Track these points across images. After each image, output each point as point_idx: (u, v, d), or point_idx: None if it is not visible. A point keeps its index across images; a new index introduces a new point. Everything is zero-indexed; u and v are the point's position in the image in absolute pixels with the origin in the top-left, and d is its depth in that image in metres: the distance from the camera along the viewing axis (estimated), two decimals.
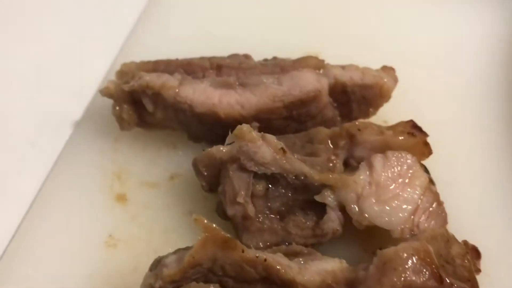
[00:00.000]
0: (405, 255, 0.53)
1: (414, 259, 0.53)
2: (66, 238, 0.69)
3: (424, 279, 0.52)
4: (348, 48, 0.89)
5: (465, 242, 0.65)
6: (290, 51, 0.88)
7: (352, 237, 0.67)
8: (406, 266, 0.52)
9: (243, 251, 0.54)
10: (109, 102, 0.75)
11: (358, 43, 0.91)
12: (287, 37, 0.92)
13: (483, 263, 0.66)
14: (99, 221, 0.71)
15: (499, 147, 0.78)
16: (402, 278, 0.52)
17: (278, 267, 0.54)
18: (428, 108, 0.82)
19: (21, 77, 0.82)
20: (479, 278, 0.62)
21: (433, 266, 0.53)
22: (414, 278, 0.52)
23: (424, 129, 0.71)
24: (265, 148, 0.64)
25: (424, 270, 0.52)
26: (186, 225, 0.70)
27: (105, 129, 0.80)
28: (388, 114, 0.80)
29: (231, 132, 0.64)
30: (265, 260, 0.54)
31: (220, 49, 0.83)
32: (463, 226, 0.69)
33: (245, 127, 0.63)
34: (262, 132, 0.66)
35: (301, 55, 0.90)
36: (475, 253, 0.65)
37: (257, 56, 0.81)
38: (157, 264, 0.54)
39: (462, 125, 0.81)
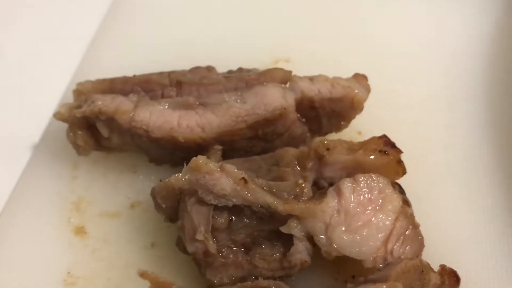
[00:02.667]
0: None
1: None
2: (21, 277, 0.65)
3: None
4: (320, 53, 0.84)
5: (443, 267, 0.61)
6: (259, 58, 0.84)
7: (323, 266, 0.63)
8: None
9: None
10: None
11: (329, 47, 0.86)
12: (256, 43, 0.87)
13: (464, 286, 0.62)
14: (57, 257, 0.67)
15: (481, 155, 0.73)
16: None
17: None
18: (405, 114, 0.77)
19: None
20: None
21: None
22: None
23: (400, 138, 0.66)
24: (225, 180, 0.59)
25: None
26: (148, 259, 0.66)
27: (63, 153, 0.75)
28: (362, 124, 0.75)
29: (186, 164, 0.59)
30: None
31: (186, 58, 0.79)
32: (442, 246, 0.66)
33: (201, 159, 0.59)
34: (221, 162, 0.61)
35: (271, 61, 0.86)
36: (454, 278, 0.61)
37: (225, 64, 0.77)
38: None
39: (441, 130, 0.76)
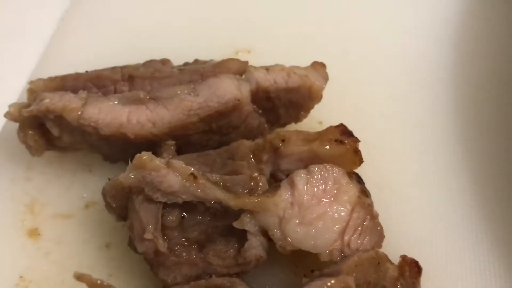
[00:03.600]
0: None
1: None
2: None
3: None
4: (282, 44, 0.82)
5: (404, 258, 0.60)
6: (221, 49, 0.82)
7: (281, 261, 0.62)
8: None
9: None
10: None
11: (293, 36, 0.83)
12: (217, 34, 0.84)
13: (426, 277, 0.60)
14: (9, 261, 0.65)
15: (443, 142, 0.72)
16: None
17: None
18: (368, 103, 0.75)
19: None
20: None
21: None
22: None
23: (361, 127, 0.65)
24: (172, 176, 0.57)
25: None
26: (103, 260, 0.64)
27: (17, 155, 0.73)
28: (323, 114, 0.73)
29: (131, 161, 0.57)
30: None
31: (144, 51, 0.77)
32: (404, 237, 0.64)
33: (145, 155, 0.57)
34: (167, 158, 0.59)
35: (232, 52, 0.84)
36: (415, 268, 0.59)
37: (184, 56, 0.75)
38: None
39: (403, 118, 0.74)
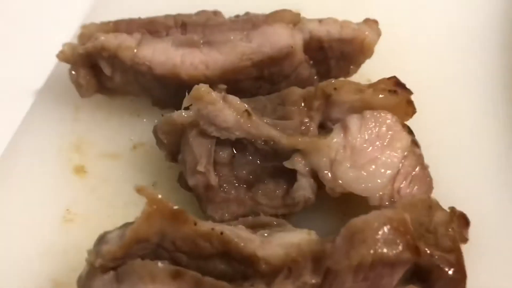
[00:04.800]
0: (376, 224, 0.47)
1: (386, 229, 0.47)
2: (21, 212, 0.65)
3: (397, 251, 0.46)
4: (332, 2, 0.81)
5: (452, 209, 0.59)
6: (268, 7, 0.82)
7: (328, 205, 0.61)
8: (377, 237, 0.46)
9: (195, 224, 0.48)
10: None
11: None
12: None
13: (473, 232, 0.60)
14: (56, 194, 0.66)
15: (491, 105, 0.71)
16: (372, 251, 0.46)
17: (236, 240, 0.49)
18: (416, 65, 0.75)
19: None
20: (467, 247, 0.57)
21: (408, 237, 0.47)
22: (386, 250, 0.46)
23: (410, 86, 0.64)
24: (227, 111, 0.58)
25: (398, 241, 0.46)
26: None
27: (66, 97, 0.74)
28: (372, 72, 0.73)
29: (188, 93, 0.58)
30: (222, 233, 0.49)
31: (197, 4, 0.76)
32: (451, 193, 0.63)
33: (203, 87, 0.57)
34: (223, 93, 0.60)
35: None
36: (463, 221, 0.58)
37: (232, 11, 0.75)
38: (101, 240, 0.49)
39: (452, 82, 0.74)
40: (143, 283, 0.45)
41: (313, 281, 0.47)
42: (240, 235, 0.50)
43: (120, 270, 0.46)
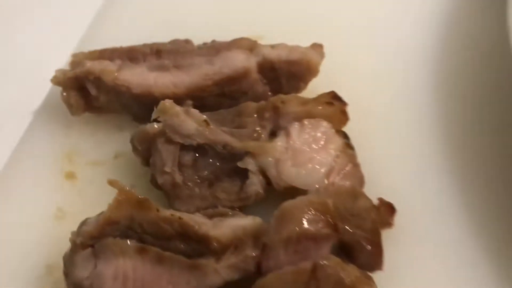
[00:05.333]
0: (301, 207, 0.58)
1: (309, 210, 0.58)
2: (20, 210, 0.76)
3: (318, 227, 0.57)
4: (291, 31, 0.93)
5: (380, 199, 0.70)
6: (233, 36, 0.94)
7: (274, 198, 0.72)
8: (301, 217, 0.58)
9: (158, 210, 0.60)
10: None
11: (300, 26, 0.95)
12: (232, 22, 0.97)
13: (397, 220, 0.71)
14: (49, 196, 0.77)
15: (421, 113, 0.83)
16: (297, 228, 0.57)
17: (192, 223, 0.60)
18: (357, 81, 0.87)
19: None
20: (393, 232, 0.68)
21: (328, 216, 0.58)
22: (308, 227, 0.57)
23: (349, 99, 0.76)
24: (189, 121, 0.70)
25: (318, 220, 0.58)
26: None
27: (59, 116, 0.86)
28: (322, 88, 0.84)
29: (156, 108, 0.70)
30: (180, 218, 0.60)
31: (170, 34, 0.89)
32: (381, 188, 0.74)
33: (167, 102, 0.69)
34: (188, 107, 0.72)
35: None
36: (389, 208, 0.69)
37: (202, 38, 0.87)
38: (82, 224, 0.60)
39: (389, 97, 0.86)
40: (114, 256, 0.57)
41: (253, 254, 0.59)
42: (196, 220, 0.61)
43: (96, 246, 0.58)
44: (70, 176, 0.79)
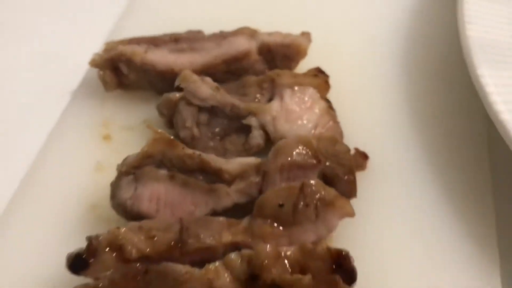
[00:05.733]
0: (292, 143, 0.77)
1: (298, 146, 0.77)
2: (66, 165, 0.94)
3: (305, 158, 0.76)
4: (286, 23, 1.12)
5: (356, 149, 0.89)
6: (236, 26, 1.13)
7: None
8: (292, 150, 0.76)
9: (183, 148, 0.78)
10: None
11: (293, 19, 1.15)
12: (237, 18, 1.16)
13: (370, 165, 0.89)
14: (91, 154, 0.95)
15: (393, 84, 1.03)
16: (289, 158, 0.76)
17: (208, 160, 0.79)
18: (343, 63, 1.06)
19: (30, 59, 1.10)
20: (365, 174, 0.87)
21: (313, 150, 0.77)
22: (297, 158, 0.76)
23: (331, 74, 0.96)
24: (204, 87, 0.89)
25: (305, 153, 0.76)
26: None
27: (95, 93, 1.05)
28: (309, 67, 1.04)
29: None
30: (200, 155, 0.79)
31: (185, 27, 1.08)
32: (357, 142, 0.93)
33: (187, 71, 0.88)
34: (202, 76, 0.91)
35: None
36: (363, 155, 0.88)
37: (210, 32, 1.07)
38: (125, 158, 0.79)
39: (365, 75, 1.05)
40: (150, 182, 0.75)
41: (256, 180, 0.77)
42: (211, 157, 0.80)
43: (136, 173, 0.76)
44: (107, 138, 0.97)
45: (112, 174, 0.88)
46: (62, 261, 0.70)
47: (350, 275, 0.62)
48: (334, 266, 0.62)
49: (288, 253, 0.65)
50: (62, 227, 0.85)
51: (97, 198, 0.89)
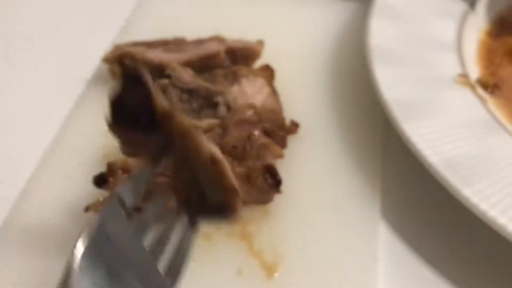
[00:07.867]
0: (244, 108, 1.16)
1: (248, 110, 1.16)
2: (82, 133, 1.31)
3: (251, 117, 1.15)
4: (247, 33, 1.52)
5: (291, 120, 1.28)
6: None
7: None
8: (244, 112, 1.15)
9: None
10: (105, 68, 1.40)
11: (253, 32, 1.55)
12: (213, 28, 1.56)
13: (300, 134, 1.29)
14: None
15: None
16: (241, 117, 1.15)
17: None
18: (284, 62, 1.46)
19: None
20: (296, 137, 1.26)
21: (258, 114, 1.16)
22: (246, 117, 1.15)
23: (278, 68, 1.35)
24: (186, 75, 1.27)
25: (252, 114, 1.15)
26: None
27: (106, 83, 1.43)
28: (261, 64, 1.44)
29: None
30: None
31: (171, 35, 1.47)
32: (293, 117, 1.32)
33: (174, 64, 1.27)
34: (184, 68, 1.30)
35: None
36: (295, 124, 1.27)
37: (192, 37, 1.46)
38: None
39: (300, 70, 1.46)
40: None
41: (219, 132, 1.16)
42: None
43: None
44: None
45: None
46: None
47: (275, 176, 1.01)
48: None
49: (236, 168, 1.03)
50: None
51: (109, 147, 1.26)
